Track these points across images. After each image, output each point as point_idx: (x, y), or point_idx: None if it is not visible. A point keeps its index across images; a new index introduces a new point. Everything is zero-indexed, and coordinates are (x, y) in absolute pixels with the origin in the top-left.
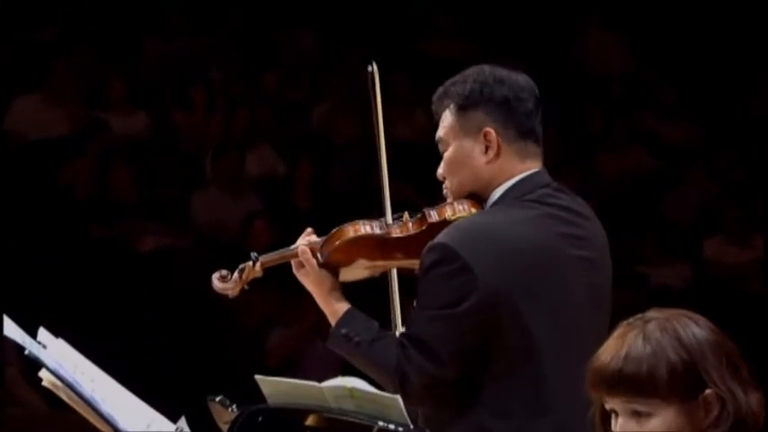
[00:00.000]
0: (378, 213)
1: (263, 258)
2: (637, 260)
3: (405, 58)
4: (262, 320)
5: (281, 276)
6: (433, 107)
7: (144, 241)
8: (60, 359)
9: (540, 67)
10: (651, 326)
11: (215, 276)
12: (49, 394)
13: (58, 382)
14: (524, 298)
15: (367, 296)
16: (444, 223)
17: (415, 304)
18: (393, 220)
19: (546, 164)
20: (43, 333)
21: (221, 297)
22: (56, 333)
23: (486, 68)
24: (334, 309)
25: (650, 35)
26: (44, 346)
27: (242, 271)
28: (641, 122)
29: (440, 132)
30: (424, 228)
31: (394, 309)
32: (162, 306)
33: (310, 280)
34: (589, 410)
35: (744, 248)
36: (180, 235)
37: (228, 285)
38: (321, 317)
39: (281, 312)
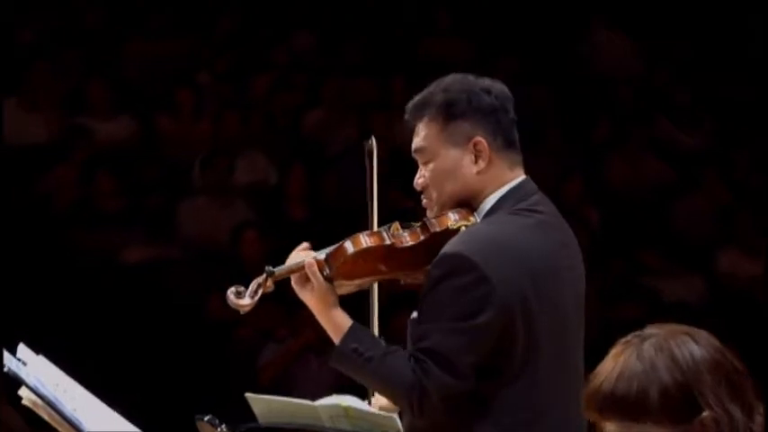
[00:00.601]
0: (370, 225)
1: (277, 271)
2: (646, 273)
3: (404, 59)
4: (253, 336)
5: (274, 290)
6: (408, 116)
7: (128, 253)
8: (41, 376)
9: (544, 69)
10: (647, 345)
11: (230, 291)
12: (29, 413)
13: (39, 401)
14: (534, 309)
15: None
16: (447, 232)
17: (415, 315)
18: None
19: (550, 171)
20: (23, 349)
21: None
22: (36, 349)
23: (469, 78)
24: (338, 324)
25: (661, 34)
26: (24, 363)
27: (259, 285)
28: (651, 127)
29: (420, 142)
30: (426, 237)
31: (372, 322)
32: (147, 321)
33: (315, 295)
34: (580, 417)
35: (760, 260)
36: (166, 246)
37: (245, 302)
38: (317, 333)
39: (273, 328)
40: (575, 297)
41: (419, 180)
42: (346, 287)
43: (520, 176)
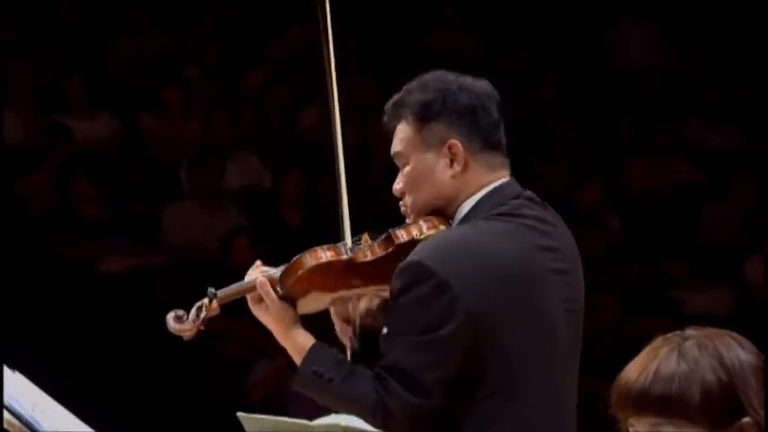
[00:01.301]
0: (380, 228)
1: (221, 294)
2: (669, 284)
3: (406, 54)
4: (244, 352)
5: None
6: (386, 118)
7: (110, 262)
8: (17, 395)
9: (559, 63)
10: (689, 343)
11: (170, 317)
12: None
13: (15, 421)
14: (506, 317)
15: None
16: (412, 243)
17: (384, 332)
18: (353, 243)
19: (566, 175)
20: None
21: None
22: (12, 366)
23: (448, 75)
24: (298, 344)
25: (688, 26)
26: None
27: (200, 309)
28: (677, 127)
29: (397, 146)
30: (390, 250)
31: (354, 335)
32: (130, 336)
33: (270, 315)
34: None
35: None
36: (151, 255)
37: (185, 326)
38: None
39: (265, 342)
40: (564, 303)
41: (397, 186)
42: (311, 305)
43: (501, 179)
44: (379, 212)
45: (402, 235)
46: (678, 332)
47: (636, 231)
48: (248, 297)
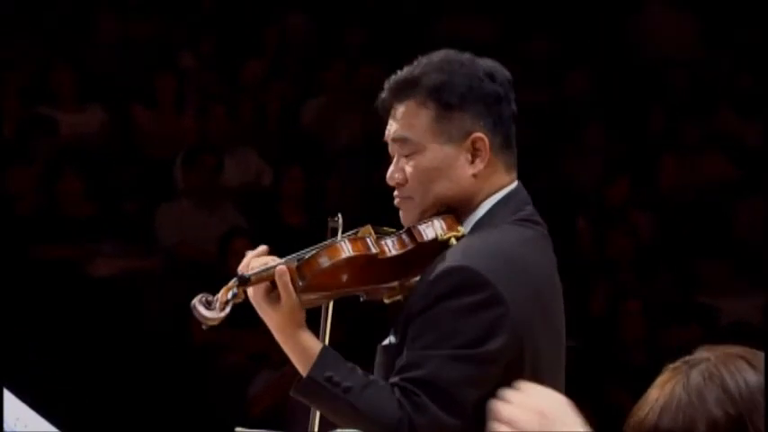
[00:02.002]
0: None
1: (254, 277)
2: (702, 289)
3: (417, 41)
4: (244, 362)
5: None
6: (386, 96)
7: (99, 265)
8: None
9: (583, 51)
10: (695, 372)
11: (198, 302)
12: None
13: None
14: (537, 334)
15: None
16: (435, 243)
17: (392, 341)
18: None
19: (592, 171)
20: None
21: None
22: None
23: (466, 57)
24: (306, 347)
25: (723, 12)
26: None
27: (234, 296)
28: (710, 119)
29: (404, 130)
30: (413, 246)
31: (323, 340)
32: (121, 345)
33: (281, 311)
34: None
35: None
36: (143, 258)
37: (214, 314)
38: None
39: (267, 351)
40: (561, 313)
41: (396, 174)
42: (314, 301)
43: (515, 182)
44: (387, 212)
45: (425, 232)
46: (688, 357)
47: (666, 231)
48: (253, 288)
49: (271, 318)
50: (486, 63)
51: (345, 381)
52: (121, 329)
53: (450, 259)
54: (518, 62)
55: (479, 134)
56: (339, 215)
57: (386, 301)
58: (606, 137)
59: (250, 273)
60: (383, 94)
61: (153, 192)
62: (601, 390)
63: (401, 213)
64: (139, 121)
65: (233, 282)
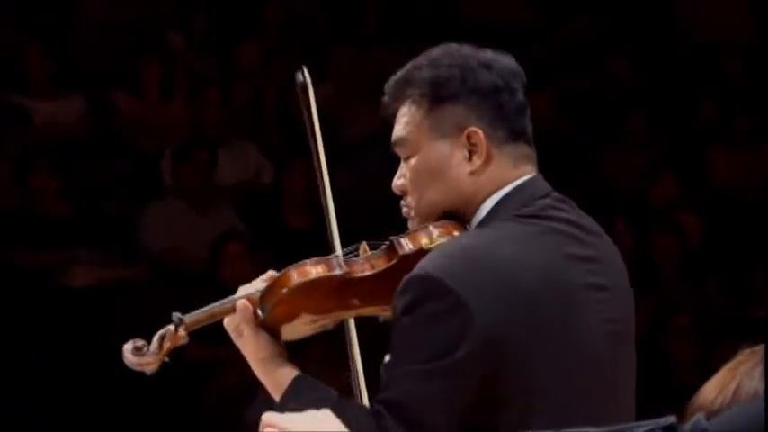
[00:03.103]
0: (398, 232)
1: (189, 319)
2: (756, 299)
3: (437, 22)
4: (239, 384)
5: None
6: (386, 99)
7: (77, 274)
8: None
9: (625, 34)
10: None
11: (128, 348)
12: None
13: None
14: (529, 341)
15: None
16: (421, 253)
17: (387, 360)
18: (346, 255)
19: (635, 167)
20: None
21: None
22: None
23: (465, 49)
24: (278, 379)
25: None
26: None
27: (162, 338)
28: (767, 109)
29: (400, 132)
30: (394, 262)
31: (354, 369)
32: (102, 364)
33: (246, 345)
34: None
35: None
36: (127, 265)
37: (146, 359)
38: (322, 378)
39: None
40: (606, 325)
41: (399, 181)
42: (297, 330)
43: (527, 174)
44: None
45: (407, 244)
46: (762, 346)
47: (717, 235)
48: (226, 320)
49: (241, 350)
50: (486, 54)
51: (320, 400)
52: (101, 348)
53: (416, 268)
54: (554, 45)
55: (474, 128)
56: (304, 69)
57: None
58: (650, 128)
59: (188, 315)
60: (384, 98)
61: (138, 191)
62: (645, 418)
63: (408, 224)
64: (122, 110)
65: (169, 326)
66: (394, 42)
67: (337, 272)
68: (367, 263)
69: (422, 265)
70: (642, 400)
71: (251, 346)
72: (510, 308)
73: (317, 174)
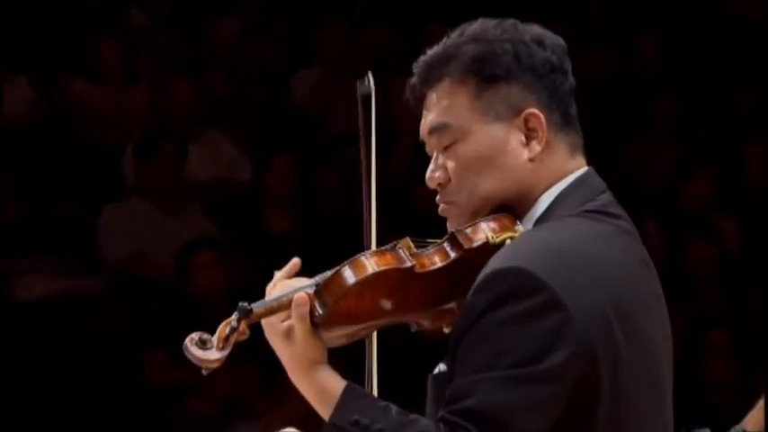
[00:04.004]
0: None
1: (257, 308)
2: None
3: (443, 5)
4: (215, 410)
5: (249, 342)
6: (417, 80)
7: (27, 285)
8: None
9: (653, 10)
10: None
11: (192, 341)
12: None
13: None
14: (615, 347)
15: None
16: (486, 248)
17: (443, 369)
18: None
19: (663, 162)
20: None
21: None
22: None
23: (509, 23)
24: (325, 387)
25: None
26: None
27: (232, 330)
28: None
29: (441, 116)
30: (459, 255)
31: (370, 386)
32: (55, 386)
33: (296, 347)
34: None
35: None
36: (84, 275)
37: (213, 356)
38: (307, 405)
39: (243, 396)
40: (665, 341)
41: (437, 173)
42: (338, 338)
43: (583, 165)
44: (403, 213)
45: (471, 236)
46: None
47: (759, 241)
48: (268, 321)
49: (282, 353)
50: (534, 29)
51: (376, 423)
52: (54, 368)
53: (497, 262)
54: (572, 24)
55: (533, 110)
56: (369, 76)
57: (445, 330)
58: (682, 118)
59: (256, 304)
60: (412, 81)
61: (96, 190)
62: None
63: (448, 223)
64: (77, 97)
65: (234, 314)
66: (388, 21)
67: (406, 264)
68: (433, 256)
69: (504, 258)
70: (676, 422)
71: (300, 349)
72: (602, 312)
73: (365, 191)
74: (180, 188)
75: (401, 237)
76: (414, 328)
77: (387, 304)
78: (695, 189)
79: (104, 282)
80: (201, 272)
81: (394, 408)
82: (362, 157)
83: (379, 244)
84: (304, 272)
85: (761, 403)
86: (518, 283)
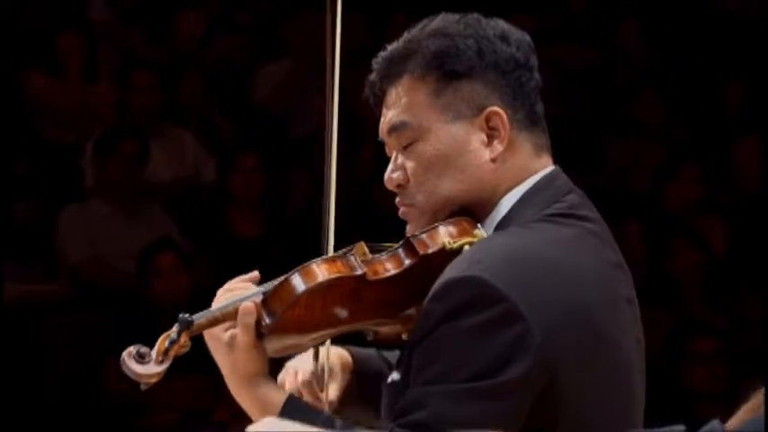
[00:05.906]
0: (373, 236)
1: (198, 320)
2: None
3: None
4: (178, 421)
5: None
6: (376, 77)
7: None
8: None
9: (644, 3)
10: None
11: (128, 356)
12: None
13: None
14: (581, 357)
15: None
16: (443, 254)
17: (396, 378)
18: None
19: (647, 161)
20: None
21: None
22: None
23: (471, 18)
24: (267, 399)
25: None
26: None
27: (172, 343)
28: None
29: (400, 115)
30: (414, 261)
31: (327, 396)
32: (10, 397)
33: (238, 357)
34: None
35: None
36: (40, 279)
37: (151, 369)
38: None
39: (208, 407)
40: (637, 348)
41: (395, 174)
42: (286, 348)
43: (548, 165)
44: (371, 213)
45: (427, 242)
46: None
47: (747, 244)
48: (211, 332)
49: (222, 364)
50: (498, 24)
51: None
52: (9, 378)
53: (454, 270)
54: (552, 14)
55: (495, 108)
56: None
57: (404, 337)
58: (667, 114)
59: (197, 315)
60: (372, 77)
61: (53, 190)
62: None
63: (408, 225)
64: (34, 93)
65: (174, 326)
66: (362, 12)
67: (358, 272)
68: (386, 263)
69: (459, 267)
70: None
71: (242, 360)
72: (567, 321)
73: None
74: (140, 188)
75: (366, 239)
76: (370, 337)
77: (339, 312)
78: (679, 190)
79: (62, 287)
80: (163, 276)
81: (338, 421)
82: (326, 143)
83: (345, 245)
84: (271, 277)
85: (746, 406)
86: (476, 294)
